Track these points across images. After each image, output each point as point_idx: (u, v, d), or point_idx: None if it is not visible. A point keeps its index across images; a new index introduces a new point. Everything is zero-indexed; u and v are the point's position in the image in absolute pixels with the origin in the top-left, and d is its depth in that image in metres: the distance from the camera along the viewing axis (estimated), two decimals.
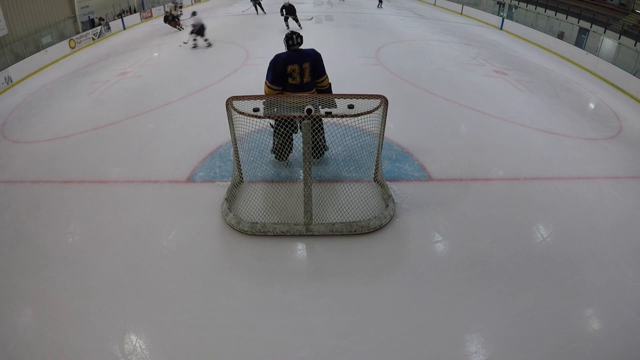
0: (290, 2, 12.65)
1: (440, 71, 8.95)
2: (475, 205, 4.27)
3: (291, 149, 4.66)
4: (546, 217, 4.20)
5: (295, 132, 4.34)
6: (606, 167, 5.20)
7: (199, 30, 10.91)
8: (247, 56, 9.82)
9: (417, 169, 4.86)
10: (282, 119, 3.88)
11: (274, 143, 4.65)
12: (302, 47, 4.33)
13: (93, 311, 3.06)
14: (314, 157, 4.61)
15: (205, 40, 11.11)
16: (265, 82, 4.26)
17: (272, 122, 4.28)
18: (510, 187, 4.67)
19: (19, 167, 5.26)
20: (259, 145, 4.83)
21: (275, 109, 3.79)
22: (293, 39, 4.21)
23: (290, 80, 4.20)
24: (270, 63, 4.22)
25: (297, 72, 4.16)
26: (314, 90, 4.38)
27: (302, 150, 3.52)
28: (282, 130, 4.16)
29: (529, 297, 3.19)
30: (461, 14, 18.55)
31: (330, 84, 4.47)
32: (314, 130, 3.55)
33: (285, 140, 4.44)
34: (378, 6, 19.06)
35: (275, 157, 4.75)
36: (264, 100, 3.84)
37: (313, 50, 4.32)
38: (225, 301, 3.14)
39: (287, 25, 12.80)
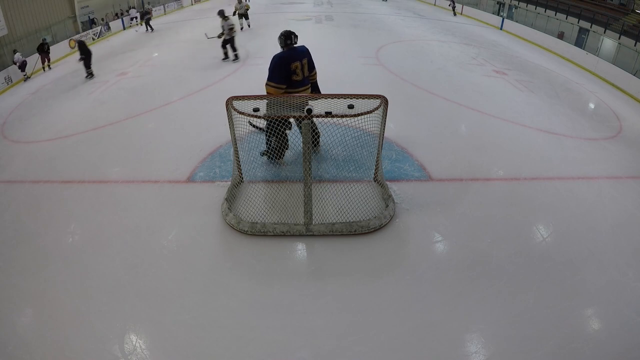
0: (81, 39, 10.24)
1: (440, 71, 8.95)
2: (475, 205, 4.27)
3: (287, 146, 4.68)
4: (546, 217, 4.20)
5: (289, 129, 4.39)
6: (606, 167, 5.20)
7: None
8: (247, 56, 9.82)
9: (417, 169, 4.86)
10: (279, 119, 3.89)
11: (268, 144, 4.66)
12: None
13: (93, 311, 3.06)
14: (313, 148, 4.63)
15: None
16: (268, 83, 4.31)
17: (264, 125, 4.32)
18: (510, 187, 4.67)
19: (19, 167, 5.27)
20: (259, 146, 4.83)
21: (276, 110, 3.80)
22: (292, 38, 4.39)
23: (294, 77, 4.34)
24: (272, 64, 4.29)
25: (299, 68, 4.34)
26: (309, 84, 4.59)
27: (302, 150, 3.52)
28: (277, 129, 4.18)
29: (529, 297, 3.19)
30: (461, 14, 18.56)
31: (316, 78, 4.76)
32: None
33: (281, 139, 4.47)
34: (454, 14, 18.62)
35: (269, 159, 4.75)
36: (267, 102, 3.86)
37: (304, 46, 4.54)
38: (225, 301, 3.14)
39: (88, 74, 9.21)
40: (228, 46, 9.40)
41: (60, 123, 6.56)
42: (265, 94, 4.37)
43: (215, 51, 9.71)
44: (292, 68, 4.28)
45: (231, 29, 9.15)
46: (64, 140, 5.92)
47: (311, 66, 4.55)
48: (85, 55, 9.15)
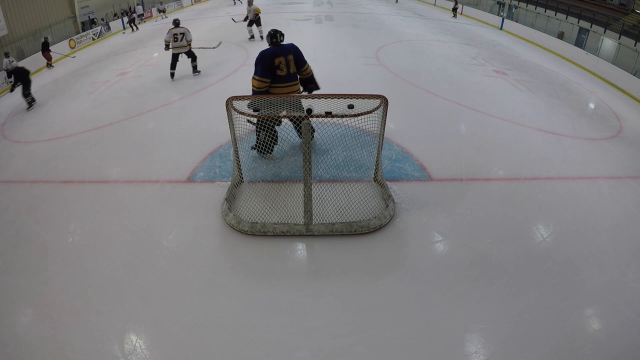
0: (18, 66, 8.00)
1: (440, 71, 8.94)
2: (475, 205, 4.27)
3: (276, 141, 4.74)
4: (546, 217, 4.20)
5: (279, 125, 4.54)
6: (606, 167, 5.20)
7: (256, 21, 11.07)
8: (247, 56, 9.81)
9: (417, 169, 4.86)
10: (277, 118, 3.93)
11: (258, 138, 4.74)
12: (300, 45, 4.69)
13: (93, 311, 3.06)
14: None
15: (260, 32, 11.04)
16: (254, 77, 4.52)
17: (254, 120, 4.44)
18: (510, 187, 4.67)
19: (19, 167, 5.26)
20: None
21: (269, 109, 3.84)
22: (277, 36, 4.63)
23: (278, 72, 4.51)
24: (257, 58, 4.53)
25: (283, 63, 4.52)
26: (299, 80, 4.74)
27: (294, 146, 3.52)
28: (267, 124, 4.26)
29: (529, 297, 3.19)
30: (461, 13, 18.56)
31: (311, 70, 4.85)
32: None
33: (271, 134, 4.54)
34: (453, 16, 18.21)
35: (259, 152, 4.82)
36: (254, 100, 3.93)
37: (292, 44, 4.73)
38: (225, 301, 3.14)
39: (30, 102, 7.53)
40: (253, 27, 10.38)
41: (60, 123, 6.55)
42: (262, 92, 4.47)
43: (215, 51, 9.71)
44: (275, 63, 4.47)
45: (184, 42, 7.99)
46: (64, 140, 5.92)
47: (300, 62, 4.69)
48: (22, 83, 7.48)
